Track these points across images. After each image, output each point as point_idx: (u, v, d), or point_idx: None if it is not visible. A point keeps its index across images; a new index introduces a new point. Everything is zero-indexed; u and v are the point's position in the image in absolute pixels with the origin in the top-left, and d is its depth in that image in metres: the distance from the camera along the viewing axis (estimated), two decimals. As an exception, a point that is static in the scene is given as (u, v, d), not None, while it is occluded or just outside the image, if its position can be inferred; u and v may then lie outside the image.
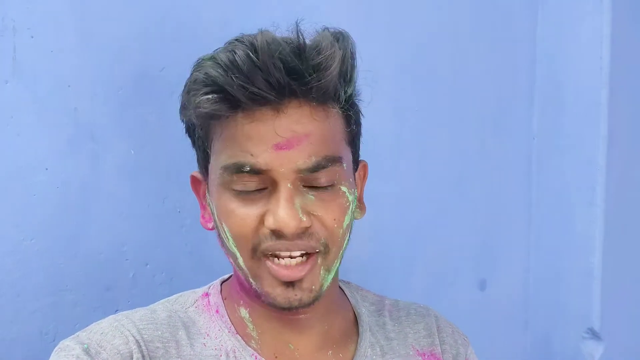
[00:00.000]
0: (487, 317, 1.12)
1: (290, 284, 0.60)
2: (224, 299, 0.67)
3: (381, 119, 1.00)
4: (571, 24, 1.07)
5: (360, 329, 0.70)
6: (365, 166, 0.69)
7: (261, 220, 0.59)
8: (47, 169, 0.78)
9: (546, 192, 1.12)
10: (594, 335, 1.06)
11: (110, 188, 0.82)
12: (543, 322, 1.14)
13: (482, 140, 1.11)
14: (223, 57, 0.58)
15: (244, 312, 0.65)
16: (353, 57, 0.61)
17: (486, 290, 1.12)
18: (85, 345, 0.59)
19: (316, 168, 0.59)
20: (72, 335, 0.62)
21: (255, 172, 0.58)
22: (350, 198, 0.62)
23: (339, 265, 0.64)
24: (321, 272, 0.61)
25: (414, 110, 1.04)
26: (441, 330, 0.73)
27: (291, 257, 0.59)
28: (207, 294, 0.68)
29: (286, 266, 0.59)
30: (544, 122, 1.12)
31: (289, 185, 0.58)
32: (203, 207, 0.67)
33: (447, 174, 1.08)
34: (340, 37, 0.60)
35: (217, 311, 0.66)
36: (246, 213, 0.59)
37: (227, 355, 0.64)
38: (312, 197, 0.60)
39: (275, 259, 0.60)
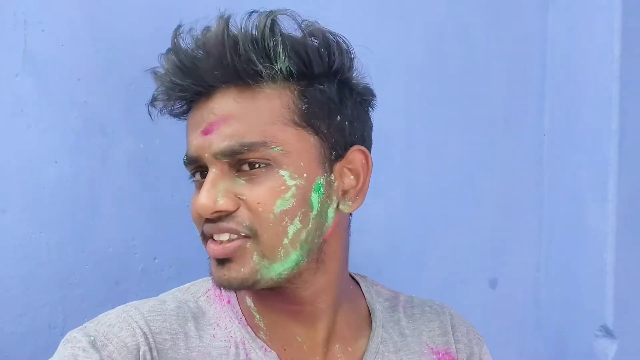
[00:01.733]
0: (499, 315, 1.11)
1: (221, 262, 0.60)
2: None
3: (392, 116, 0.99)
4: (582, 18, 1.07)
5: (373, 324, 0.69)
6: (362, 152, 0.63)
7: None
8: (56, 162, 0.78)
9: (558, 188, 1.11)
10: (608, 333, 1.05)
11: (119, 182, 0.82)
12: (555, 320, 1.12)
13: (493, 137, 1.10)
14: (160, 60, 0.63)
15: (249, 301, 0.65)
16: (275, 33, 0.58)
17: (497, 288, 1.11)
18: (92, 338, 0.59)
19: (231, 153, 0.58)
20: (80, 327, 0.61)
21: (192, 160, 0.61)
22: (292, 183, 0.58)
23: (300, 256, 0.60)
24: (254, 257, 0.59)
25: (425, 107, 1.04)
26: (456, 329, 0.72)
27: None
28: None
29: (216, 242, 0.60)
30: (555, 118, 1.11)
31: (214, 170, 0.59)
32: None
33: (458, 171, 1.07)
34: (260, 17, 0.59)
35: (228, 301, 0.66)
36: (195, 199, 0.61)
37: (237, 346, 0.63)
38: (243, 181, 0.59)
39: (211, 239, 0.61)
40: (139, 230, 0.83)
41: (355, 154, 0.63)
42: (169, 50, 0.62)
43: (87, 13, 0.79)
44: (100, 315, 0.63)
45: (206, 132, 0.59)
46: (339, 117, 0.62)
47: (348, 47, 0.63)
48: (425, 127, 1.04)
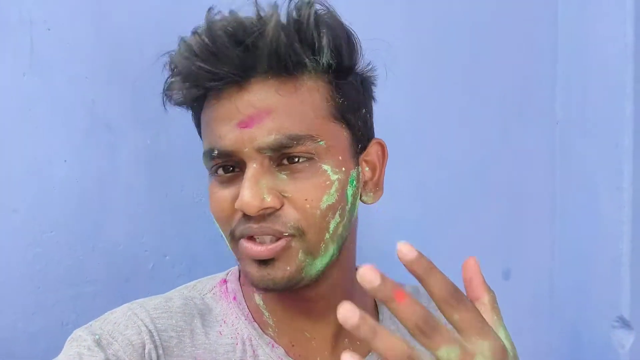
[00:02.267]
0: (512, 307, 1.09)
1: (263, 262, 0.58)
2: (242, 285, 0.66)
3: (401, 106, 0.98)
4: (594, 2, 1.04)
5: (380, 317, 0.68)
6: (380, 144, 0.64)
7: (234, 203, 0.58)
8: (65, 161, 0.78)
9: (571, 177, 1.10)
10: (625, 324, 1.03)
11: (127, 179, 0.82)
12: (570, 311, 1.11)
13: (504, 126, 1.09)
14: (182, 44, 0.59)
15: (257, 299, 0.65)
16: (320, 24, 0.57)
17: (510, 280, 1.10)
18: (97, 336, 0.59)
19: (278, 147, 0.56)
20: (86, 325, 0.61)
21: (225, 154, 0.58)
22: (335, 177, 0.58)
23: (336, 250, 0.60)
24: (300, 255, 0.57)
25: (434, 96, 1.02)
26: None
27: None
28: (225, 281, 0.67)
29: (257, 244, 0.58)
30: (568, 105, 1.09)
31: (254, 165, 0.56)
32: None
33: (469, 161, 1.06)
34: (302, 5, 0.57)
35: (234, 298, 0.65)
36: (223, 196, 0.59)
37: (244, 343, 0.63)
38: (285, 176, 0.57)
39: (248, 238, 0.58)
40: (148, 228, 0.83)
41: (374, 146, 0.64)
42: (197, 34, 0.57)
43: (93, 11, 0.79)
44: (106, 313, 0.62)
45: (245, 125, 0.56)
46: (363, 110, 0.62)
47: (357, 37, 0.62)
48: (435, 117, 1.02)
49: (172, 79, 0.60)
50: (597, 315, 1.06)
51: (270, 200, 0.56)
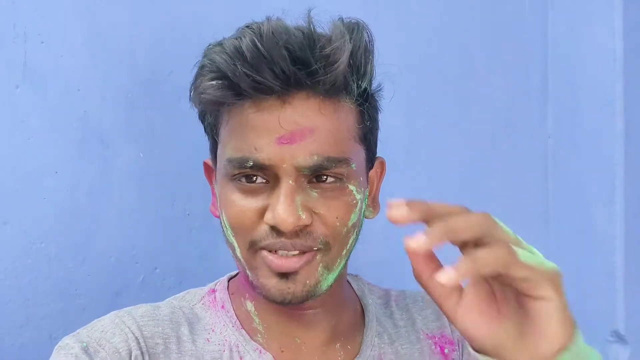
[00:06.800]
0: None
1: (284, 275, 0.58)
2: (230, 294, 0.67)
3: (393, 119, 0.98)
4: (583, 18, 1.06)
5: (366, 319, 0.69)
6: (382, 163, 0.67)
7: (260, 214, 0.58)
8: (56, 172, 0.78)
9: (563, 191, 1.10)
10: (619, 338, 1.03)
11: (119, 191, 0.82)
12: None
13: (496, 140, 1.09)
14: (229, 44, 0.57)
15: (249, 306, 0.65)
16: (368, 50, 0.59)
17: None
18: (84, 344, 0.59)
19: (318, 168, 0.57)
20: (73, 333, 0.61)
21: (259, 167, 0.57)
22: (358, 197, 0.59)
23: (344, 265, 0.62)
24: (319, 268, 0.59)
25: (426, 110, 1.03)
26: None
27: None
28: (213, 290, 0.67)
29: (281, 257, 0.58)
30: (559, 120, 1.11)
31: (290, 181, 0.57)
32: (213, 194, 0.66)
33: (461, 175, 1.06)
34: (355, 28, 0.58)
35: (222, 307, 0.66)
36: (247, 205, 0.58)
37: (231, 349, 0.63)
38: (316, 194, 0.58)
39: (271, 251, 0.58)
40: (139, 240, 0.83)
41: (376, 164, 0.66)
42: (247, 38, 0.55)
43: (86, 24, 0.80)
44: (93, 321, 0.63)
45: (286, 141, 0.56)
46: (376, 131, 0.65)
47: None
48: (426, 132, 1.03)
49: (208, 77, 0.57)
50: (592, 330, 1.06)
51: (305, 218, 0.57)
